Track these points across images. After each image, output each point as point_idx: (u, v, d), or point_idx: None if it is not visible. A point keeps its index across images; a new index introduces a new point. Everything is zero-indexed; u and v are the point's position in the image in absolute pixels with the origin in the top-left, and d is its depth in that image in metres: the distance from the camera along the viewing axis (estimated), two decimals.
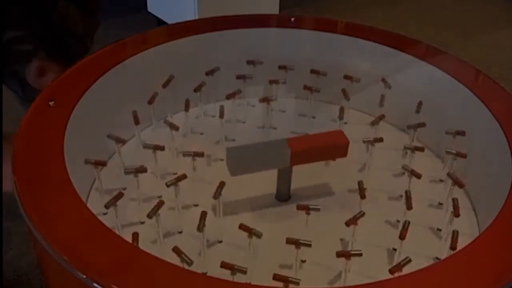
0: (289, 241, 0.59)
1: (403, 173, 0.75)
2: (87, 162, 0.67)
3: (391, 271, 0.56)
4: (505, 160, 0.66)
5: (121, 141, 0.71)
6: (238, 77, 0.86)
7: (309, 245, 0.59)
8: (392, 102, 0.82)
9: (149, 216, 0.61)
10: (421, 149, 0.73)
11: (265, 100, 0.82)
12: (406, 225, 0.61)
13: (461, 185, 0.67)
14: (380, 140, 0.74)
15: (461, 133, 0.73)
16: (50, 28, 0.90)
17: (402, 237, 0.60)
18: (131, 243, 0.56)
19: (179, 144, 0.78)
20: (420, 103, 0.80)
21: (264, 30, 0.94)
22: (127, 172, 0.67)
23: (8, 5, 0.82)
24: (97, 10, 0.98)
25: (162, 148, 0.71)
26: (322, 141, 0.68)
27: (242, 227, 0.59)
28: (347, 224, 0.61)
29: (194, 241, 0.64)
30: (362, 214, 0.62)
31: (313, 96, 0.85)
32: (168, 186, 0.64)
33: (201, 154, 0.70)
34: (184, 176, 0.66)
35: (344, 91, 0.84)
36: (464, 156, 0.71)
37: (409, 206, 0.64)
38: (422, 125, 0.77)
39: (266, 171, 0.77)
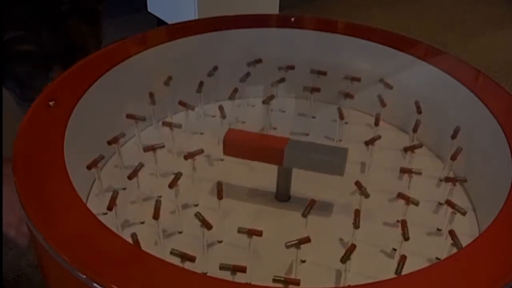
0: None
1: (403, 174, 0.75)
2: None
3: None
4: (505, 160, 0.66)
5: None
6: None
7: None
8: (392, 102, 0.81)
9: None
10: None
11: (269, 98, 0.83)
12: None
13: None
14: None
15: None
16: (62, 42, 0.92)
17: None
18: (133, 244, 0.56)
19: (179, 144, 0.78)
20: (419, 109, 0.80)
21: (264, 30, 0.94)
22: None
23: (8, 6, 0.82)
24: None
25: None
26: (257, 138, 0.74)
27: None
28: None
29: (194, 241, 0.64)
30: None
31: (313, 96, 0.85)
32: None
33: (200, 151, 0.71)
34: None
35: (346, 94, 0.84)
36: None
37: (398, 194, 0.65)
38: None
39: (266, 171, 0.77)
